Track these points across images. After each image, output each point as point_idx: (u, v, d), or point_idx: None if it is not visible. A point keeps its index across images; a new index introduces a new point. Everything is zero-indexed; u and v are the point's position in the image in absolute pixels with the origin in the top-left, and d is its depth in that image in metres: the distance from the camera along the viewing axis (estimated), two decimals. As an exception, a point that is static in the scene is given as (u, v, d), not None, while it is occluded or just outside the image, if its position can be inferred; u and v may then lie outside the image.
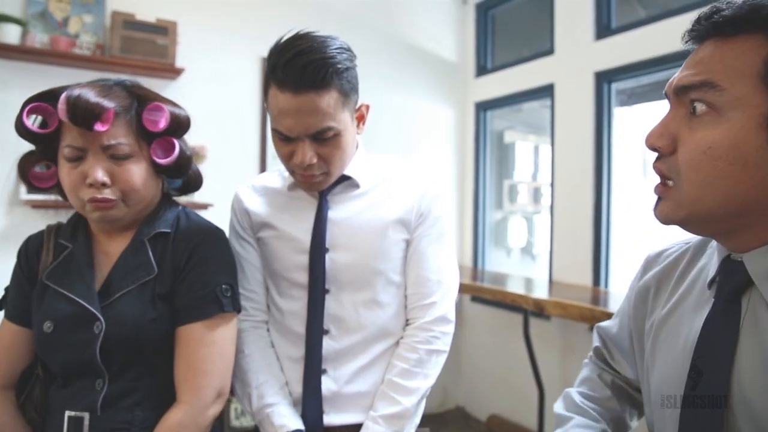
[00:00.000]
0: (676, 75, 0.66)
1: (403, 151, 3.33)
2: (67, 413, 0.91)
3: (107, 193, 0.92)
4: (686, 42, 0.67)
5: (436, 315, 1.12)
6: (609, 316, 2.10)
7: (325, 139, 0.99)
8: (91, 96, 0.88)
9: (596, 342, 0.96)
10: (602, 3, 2.74)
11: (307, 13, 2.99)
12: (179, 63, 2.60)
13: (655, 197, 0.68)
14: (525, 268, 3.89)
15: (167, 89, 2.62)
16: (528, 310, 2.72)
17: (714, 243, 0.72)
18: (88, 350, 0.91)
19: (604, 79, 2.72)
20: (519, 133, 3.91)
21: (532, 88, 3.15)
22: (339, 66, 0.97)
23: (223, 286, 0.97)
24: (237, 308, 1.00)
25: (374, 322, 1.11)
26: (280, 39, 0.99)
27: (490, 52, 3.57)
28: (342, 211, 1.11)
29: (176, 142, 0.97)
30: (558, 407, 0.92)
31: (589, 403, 0.90)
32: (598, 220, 2.77)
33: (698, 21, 0.64)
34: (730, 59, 0.59)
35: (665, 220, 0.67)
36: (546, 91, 3.05)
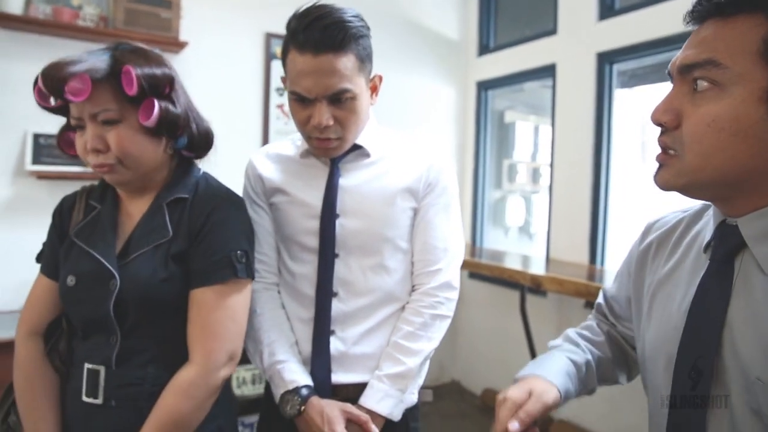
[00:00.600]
0: (679, 54, 0.69)
1: (404, 129, 3.33)
2: (86, 365, 0.97)
3: (103, 159, 0.95)
4: (687, 23, 0.70)
5: (441, 281, 1.16)
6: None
7: (342, 101, 1.03)
8: (61, 64, 0.89)
9: (599, 300, 1.01)
10: (606, -18, 2.75)
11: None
12: (183, 37, 2.60)
13: (656, 165, 0.72)
14: (522, 247, 3.94)
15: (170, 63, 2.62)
16: (525, 286, 2.77)
17: (710, 211, 0.77)
18: (103, 306, 0.95)
19: (606, 60, 2.74)
20: (519, 113, 3.93)
21: (534, 68, 3.16)
22: (355, 32, 1.01)
23: (238, 252, 1.00)
24: (251, 275, 1.03)
25: (381, 286, 1.15)
26: (299, 8, 1.03)
27: (493, 31, 3.57)
28: (352, 178, 1.15)
29: (155, 103, 0.96)
30: (552, 342, 0.98)
31: (582, 340, 0.96)
32: (596, 200, 2.81)
33: (700, 2, 0.67)
34: (731, 38, 0.63)
35: (665, 186, 0.71)
36: (548, 72, 3.07)
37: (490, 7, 3.56)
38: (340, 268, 1.14)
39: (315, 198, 1.14)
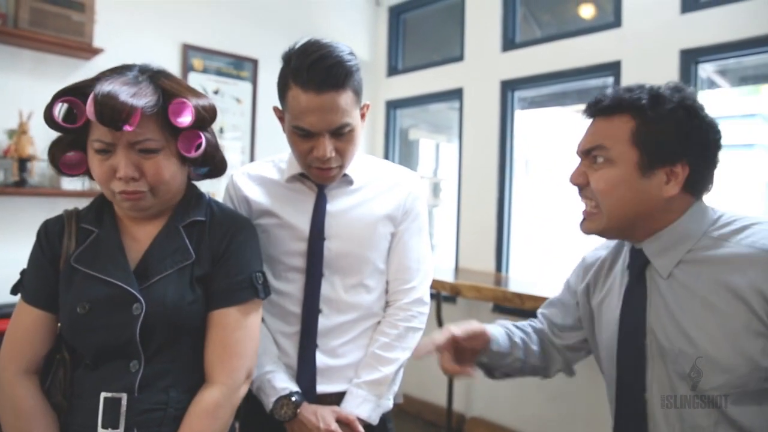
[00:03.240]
0: (581, 141, 1.00)
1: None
2: (104, 395, 0.91)
3: (136, 186, 0.92)
4: (584, 117, 1.01)
5: (414, 297, 1.27)
6: (516, 296, 2.44)
7: (342, 134, 1.10)
8: (120, 95, 0.86)
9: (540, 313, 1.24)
10: (508, 19, 3.06)
11: (227, 5, 2.97)
12: (96, 43, 2.45)
13: (581, 216, 1.01)
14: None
15: (80, 70, 2.47)
16: (441, 294, 2.97)
17: (626, 246, 1.06)
18: (126, 332, 0.92)
19: (508, 87, 3.05)
20: (423, 131, 4.18)
21: (442, 90, 3.40)
22: (353, 69, 1.08)
23: (257, 273, 1.03)
24: (268, 294, 1.06)
25: (361, 303, 1.24)
26: (294, 45, 1.09)
27: (401, 54, 3.78)
28: (338, 204, 1.22)
29: (202, 135, 0.97)
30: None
31: (513, 326, 1.20)
32: (501, 213, 3.10)
33: (589, 106, 1.00)
34: (611, 130, 0.95)
35: (589, 232, 1.00)
36: (455, 95, 3.32)
37: (398, 32, 3.76)
38: (325, 286, 1.20)
39: (303, 222, 1.19)
